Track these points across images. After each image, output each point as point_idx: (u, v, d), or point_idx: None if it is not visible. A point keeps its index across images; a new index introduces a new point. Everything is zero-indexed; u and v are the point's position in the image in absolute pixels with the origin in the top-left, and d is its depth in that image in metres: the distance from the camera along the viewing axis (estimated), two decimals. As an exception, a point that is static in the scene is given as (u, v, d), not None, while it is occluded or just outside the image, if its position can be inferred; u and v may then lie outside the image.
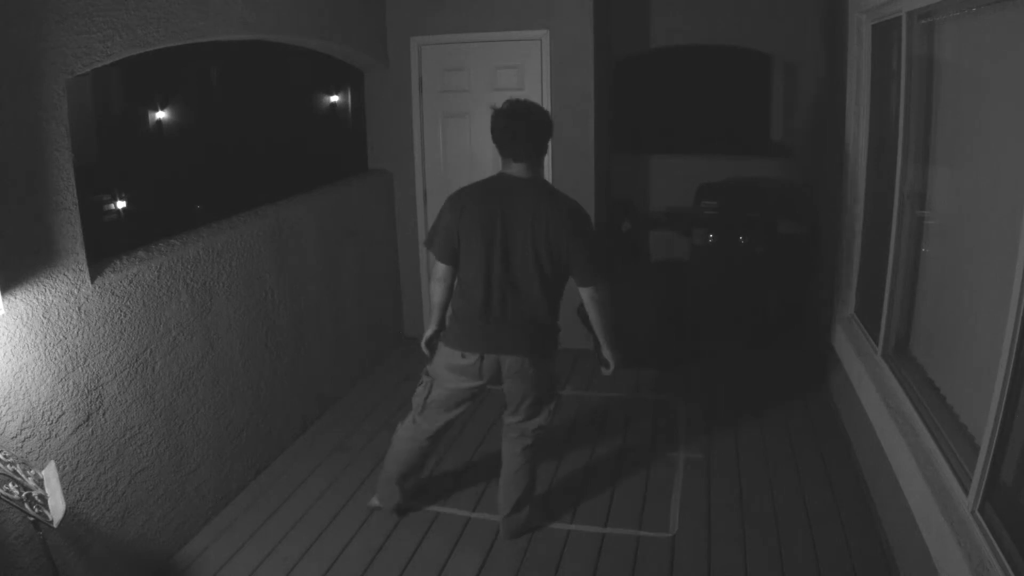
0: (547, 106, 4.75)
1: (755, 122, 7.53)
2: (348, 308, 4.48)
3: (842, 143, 4.14)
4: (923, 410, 2.75)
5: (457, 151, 4.96)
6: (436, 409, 2.93)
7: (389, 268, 5.12)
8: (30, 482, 2.06)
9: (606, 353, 2.91)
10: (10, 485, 1.98)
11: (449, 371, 2.85)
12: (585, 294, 2.77)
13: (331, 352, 4.28)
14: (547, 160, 4.81)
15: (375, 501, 3.22)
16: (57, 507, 2.09)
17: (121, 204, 11.65)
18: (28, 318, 2.31)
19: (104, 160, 11.66)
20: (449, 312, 2.92)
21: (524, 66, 4.77)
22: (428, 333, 3.00)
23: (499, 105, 2.72)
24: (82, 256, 2.51)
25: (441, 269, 2.85)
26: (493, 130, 2.71)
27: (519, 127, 2.66)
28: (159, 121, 13.60)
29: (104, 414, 2.62)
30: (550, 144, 2.81)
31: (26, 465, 2.15)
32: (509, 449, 3.01)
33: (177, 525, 2.99)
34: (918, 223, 3.14)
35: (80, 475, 2.52)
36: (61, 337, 2.43)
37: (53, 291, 2.39)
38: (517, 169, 2.71)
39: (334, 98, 14.47)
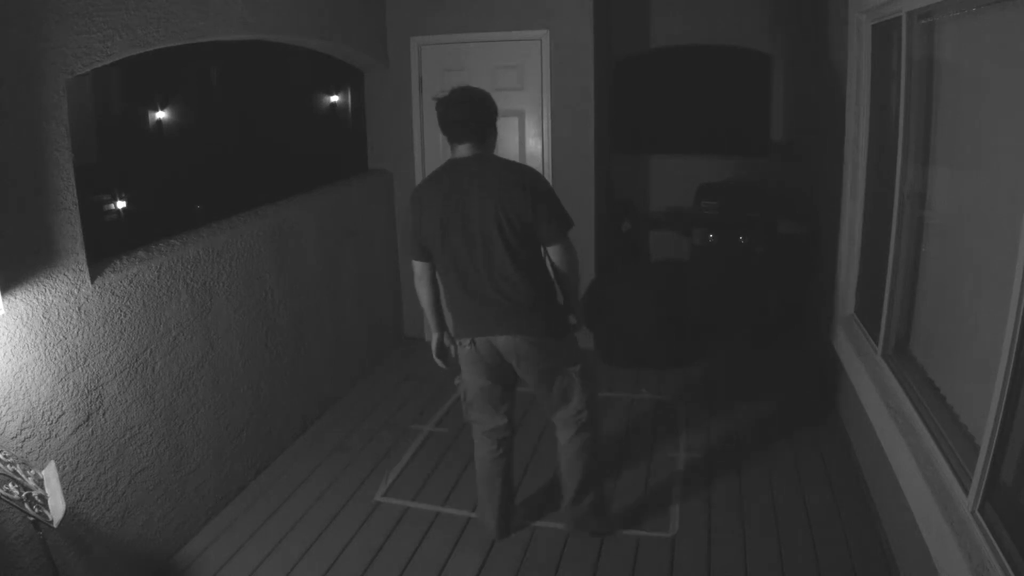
0: (547, 106, 4.76)
1: (755, 122, 7.52)
2: (348, 308, 4.48)
3: (842, 143, 4.13)
4: (923, 410, 2.75)
5: (457, 151, 4.95)
6: (479, 409, 2.92)
7: (389, 268, 5.12)
8: (30, 482, 2.06)
9: (572, 307, 2.86)
10: (10, 485, 1.98)
11: (463, 365, 2.87)
12: (553, 252, 2.72)
13: (331, 352, 4.28)
14: (546, 159, 4.83)
15: (479, 517, 3.13)
16: (57, 507, 2.09)
17: (121, 204, 11.64)
18: (28, 318, 2.31)
19: (104, 160, 11.65)
20: (444, 307, 2.92)
21: (524, 66, 4.77)
22: (434, 341, 2.96)
23: (442, 95, 2.75)
24: (82, 256, 2.51)
25: (418, 268, 2.86)
26: (438, 118, 2.75)
27: (458, 111, 2.69)
28: (159, 121, 13.58)
29: (104, 414, 2.62)
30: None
31: (26, 465, 2.15)
32: (560, 439, 2.93)
33: (177, 525, 2.99)
34: (918, 223, 3.14)
35: (80, 475, 2.52)
36: (61, 337, 2.43)
37: (53, 291, 2.39)
38: (463, 150, 2.73)
39: (334, 98, 14.46)
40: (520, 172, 2.72)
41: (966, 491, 2.21)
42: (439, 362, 2.96)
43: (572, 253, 2.75)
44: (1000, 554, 1.93)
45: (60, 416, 2.43)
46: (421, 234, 2.77)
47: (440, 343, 2.95)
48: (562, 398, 2.86)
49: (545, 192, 2.70)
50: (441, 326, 2.95)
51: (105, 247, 3.01)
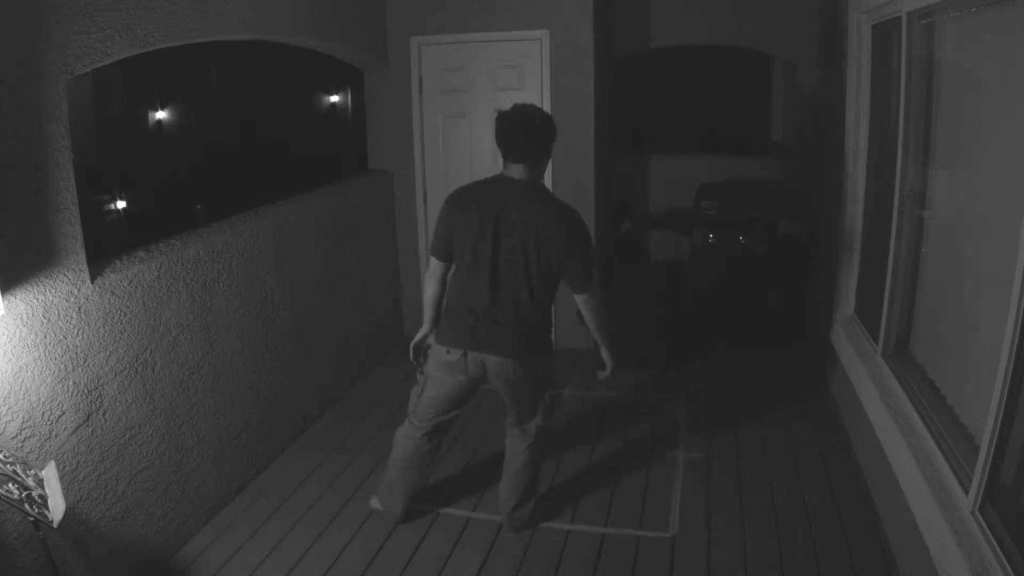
0: (547, 106, 4.75)
1: (755, 122, 7.53)
2: (348, 308, 4.48)
3: (842, 143, 4.14)
4: (923, 410, 2.75)
5: (457, 151, 4.96)
6: (429, 407, 2.94)
7: (389, 268, 5.12)
8: (30, 482, 2.06)
9: (604, 355, 2.92)
10: (10, 485, 1.98)
11: (438, 367, 2.87)
12: (579, 300, 2.78)
13: (331, 352, 4.28)
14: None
15: (375, 503, 3.22)
16: (57, 507, 2.09)
17: (121, 204, 11.65)
18: (28, 318, 2.31)
19: (104, 160, 11.65)
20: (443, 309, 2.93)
21: (524, 66, 4.76)
22: (419, 335, 3.00)
23: (504, 107, 2.73)
24: (82, 256, 2.51)
25: (433, 264, 2.88)
26: (496, 132, 2.71)
27: (520, 130, 2.66)
28: (159, 121, 13.59)
29: (104, 414, 2.62)
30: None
31: (26, 465, 2.15)
32: (512, 447, 3.03)
33: (177, 525, 2.99)
34: (918, 223, 3.14)
35: (80, 475, 2.52)
36: (61, 337, 2.43)
37: (53, 291, 2.39)
38: (516, 171, 2.72)
39: (334, 98, 14.46)
40: (563, 210, 2.72)
41: (966, 491, 2.21)
42: (411, 353, 3.00)
43: (597, 302, 2.79)
44: (1000, 554, 1.93)
45: (60, 416, 2.43)
46: (447, 237, 2.79)
47: (423, 338, 2.99)
48: (528, 412, 2.95)
49: (581, 237, 2.71)
50: (433, 323, 2.97)
51: (105, 247, 3.01)
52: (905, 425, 2.78)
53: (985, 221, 2.49)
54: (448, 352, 2.80)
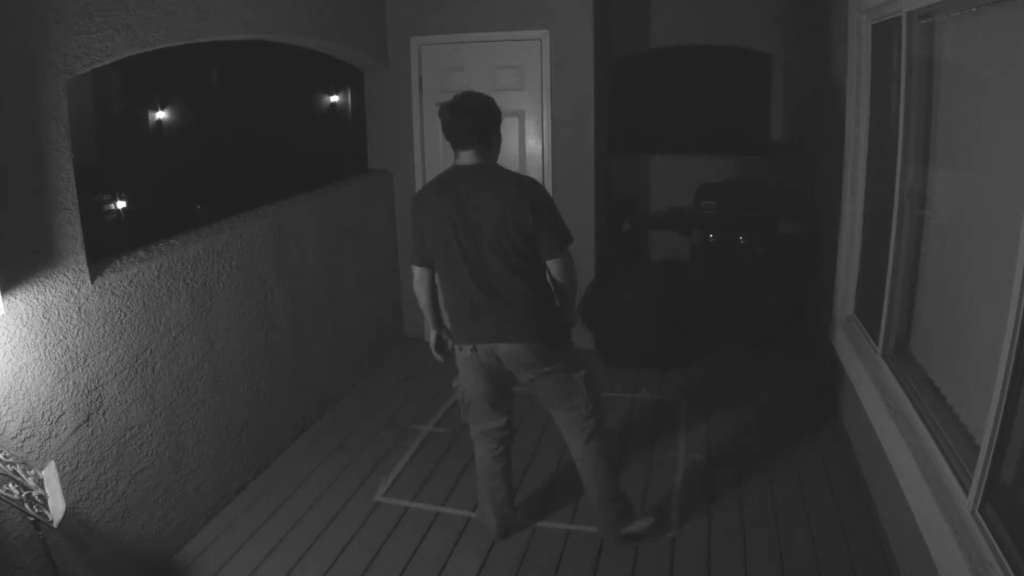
0: (547, 106, 4.76)
1: (755, 122, 7.52)
2: (348, 308, 4.48)
3: (842, 143, 4.13)
4: (923, 410, 2.75)
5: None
6: (478, 412, 2.94)
7: (389, 268, 5.12)
8: (30, 482, 2.06)
9: (567, 316, 2.88)
10: (10, 485, 1.98)
11: (463, 369, 2.88)
12: (552, 265, 2.74)
13: (331, 352, 4.28)
14: (546, 159, 4.83)
15: (479, 517, 3.15)
16: (57, 507, 2.09)
17: (121, 204, 11.64)
18: (28, 318, 2.31)
19: (104, 160, 11.65)
20: (443, 312, 2.94)
21: (524, 66, 4.76)
22: (432, 337, 3.00)
23: (447, 101, 2.74)
24: (82, 256, 2.51)
25: (417, 272, 2.88)
26: (442, 125, 2.73)
27: (459, 117, 2.67)
28: (159, 121, 13.58)
29: (104, 414, 2.62)
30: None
31: (26, 465, 2.15)
32: (573, 449, 2.94)
33: (177, 525, 2.99)
34: (918, 223, 3.14)
35: (80, 475, 2.52)
36: (61, 337, 2.43)
37: (53, 291, 2.39)
38: (466, 157, 2.72)
39: (334, 98, 14.45)
40: (522, 184, 2.72)
41: (966, 491, 2.21)
42: (437, 356, 3.00)
43: (571, 267, 2.77)
44: (1000, 554, 1.93)
45: (60, 416, 2.43)
46: (422, 240, 2.79)
47: (439, 338, 2.98)
48: (565, 404, 2.86)
49: (546, 205, 2.70)
50: (439, 324, 2.98)
51: (105, 247, 3.01)
52: (905, 425, 2.78)
53: (985, 221, 2.49)
54: (461, 350, 2.82)
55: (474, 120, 2.68)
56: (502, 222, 2.63)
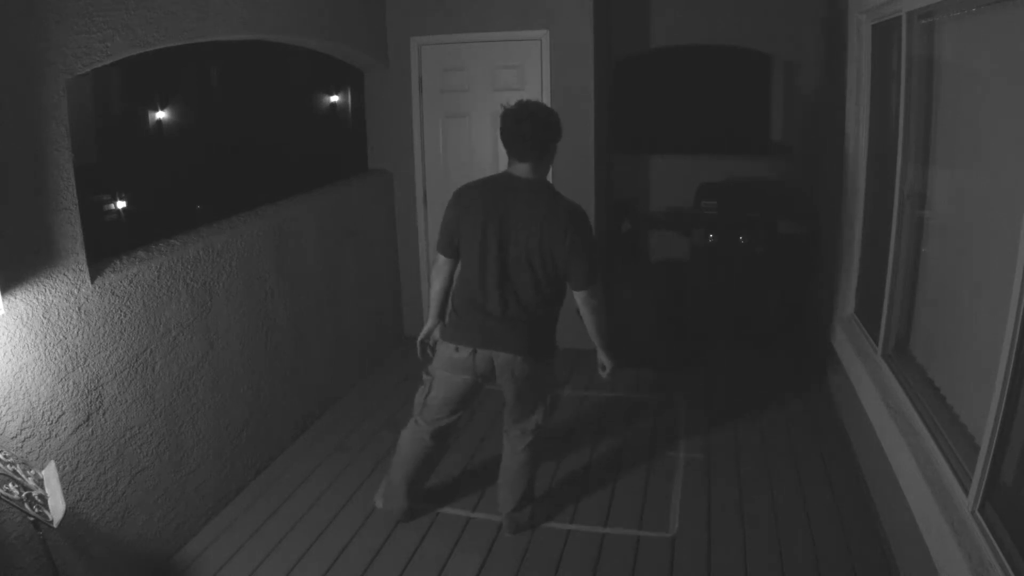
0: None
1: (755, 122, 7.52)
2: (348, 308, 4.48)
3: (842, 143, 4.13)
4: (923, 410, 2.75)
5: (457, 151, 4.96)
6: (435, 407, 2.94)
7: (389, 268, 5.11)
8: (30, 482, 2.06)
9: (602, 356, 2.92)
10: (10, 485, 1.98)
11: (445, 366, 2.87)
12: (579, 298, 2.77)
13: (331, 352, 4.28)
14: (547, 160, 4.82)
15: (378, 501, 3.22)
16: (57, 507, 2.09)
17: (121, 204, 11.64)
18: (28, 318, 2.31)
19: (104, 160, 11.65)
20: (450, 307, 2.93)
21: (524, 66, 4.76)
22: (424, 330, 3.01)
23: (510, 104, 2.71)
24: (82, 256, 2.51)
25: (440, 260, 2.90)
26: (501, 130, 2.70)
27: (525, 127, 2.65)
28: (159, 121, 13.59)
29: (104, 414, 2.62)
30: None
31: (26, 465, 2.15)
32: (510, 447, 3.03)
33: (177, 525, 2.99)
34: (918, 223, 3.14)
35: (80, 475, 2.52)
36: (61, 337, 2.43)
37: (53, 291, 2.39)
38: (521, 169, 2.72)
39: (334, 98, 14.46)
40: (567, 208, 2.72)
41: (966, 491, 2.21)
42: (419, 348, 3.02)
43: (598, 301, 2.79)
44: (1000, 554, 1.93)
45: (60, 416, 2.43)
46: (454, 233, 2.79)
47: (429, 333, 2.99)
48: (525, 413, 2.95)
49: (584, 235, 2.70)
50: (439, 317, 2.98)
51: (105, 247, 3.01)
52: (905, 425, 2.78)
53: (985, 221, 2.49)
54: (457, 350, 2.80)
55: (533, 132, 2.65)
56: (538, 242, 2.65)
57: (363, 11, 4.65)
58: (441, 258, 2.89)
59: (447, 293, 2.94)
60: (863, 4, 3.67)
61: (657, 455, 3.68)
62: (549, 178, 2.86)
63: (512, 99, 2.79)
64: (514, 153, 2.70)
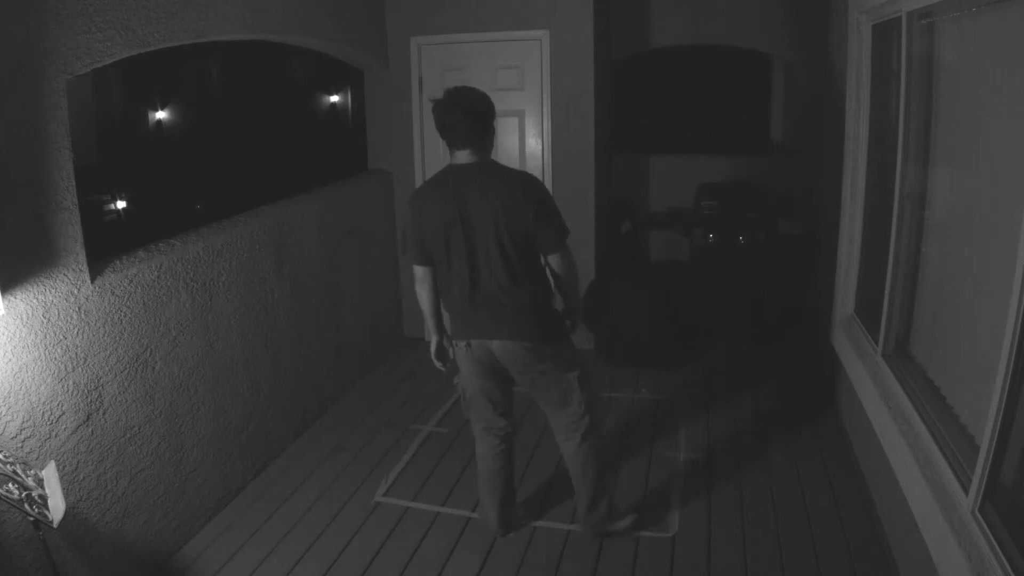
0: (547, 106, 4.76)
1: (755, 122, 7.53)
2: (348, 308, 4.48)
3: (842, 143, 4.13)
4: (923, 410, 2.75)
5: (457, 151, 4.95)
6: (478, 407, 2.94)
7: (389, 268, 5.12)
8: (30, 482, 2.06)
9: (572, 312, 2.88)
10: (10, 485, 1.98)
11: (461, 365, 2.89)
12: (554, 261, 2.74)
13: (331, 352, 4.28)
14: (546, 159, 4.83)
15: (480, 514, 3.16)
16: (57, 507, 2.09)
17: (121, 204, 11.64)
18: (28, 318, 2.31)
19: (104, 160, 11.65)
20: (441, 307, 2.93)
21: (524, 66, 4.76)
22: (433, 343, 2.97)
23: (438, 97, 2.70)
24: (82, 256, 2.51)
25: (419, 272, 2.86)
26: (435, 123, 2.69)
27: (456, 117, 2.63)
28: (159, 121, 13.59)
29: (104, 414, 2.62)
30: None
31: (26, 465, 2.15)
32: (565, 449, 2.95)
33: (177, 525, 2.99)
34: (918, 223, 3.14)
35: (80, 475, 2.52)
36: (61, 337, 2.43)
37: (53, 291, 2.39)
38: (462, 156, 2.70)
39: (334, 98, 14.45)
40: (520, 180, 2.71)
41: (966, 491, 2.21)
42: (438, 364, 2.99)
43: (571, 261, 2.77)
44: (1000, 554, 1.93)
45: (60, 416, 2.43)
46: (422, 238, 2.77)
47: (439, 345, 2.97)
48: (561, 403, 2.87)
49: (543, 200, 2.69)
50: (440, 329, 2.96)
51: (105, 247, 3.01)
52: (905, 425, 2.78)
53: (985, 221, 2.49)
54: (458, 345, 2.83)
55: (465, 118, 2.63)
56: (503, 220, 2.62)
57: (363, 11, 4.65)
58: (419, 270, 2.85)
59: (438, 303, 2.91)
60: (863, 4, 3.67)
61: (657, 455, 3.68)
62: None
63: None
64: (452, 143, 2.70)
